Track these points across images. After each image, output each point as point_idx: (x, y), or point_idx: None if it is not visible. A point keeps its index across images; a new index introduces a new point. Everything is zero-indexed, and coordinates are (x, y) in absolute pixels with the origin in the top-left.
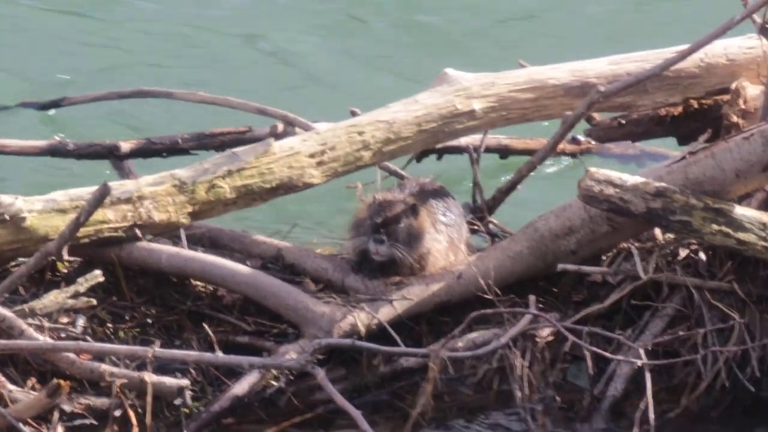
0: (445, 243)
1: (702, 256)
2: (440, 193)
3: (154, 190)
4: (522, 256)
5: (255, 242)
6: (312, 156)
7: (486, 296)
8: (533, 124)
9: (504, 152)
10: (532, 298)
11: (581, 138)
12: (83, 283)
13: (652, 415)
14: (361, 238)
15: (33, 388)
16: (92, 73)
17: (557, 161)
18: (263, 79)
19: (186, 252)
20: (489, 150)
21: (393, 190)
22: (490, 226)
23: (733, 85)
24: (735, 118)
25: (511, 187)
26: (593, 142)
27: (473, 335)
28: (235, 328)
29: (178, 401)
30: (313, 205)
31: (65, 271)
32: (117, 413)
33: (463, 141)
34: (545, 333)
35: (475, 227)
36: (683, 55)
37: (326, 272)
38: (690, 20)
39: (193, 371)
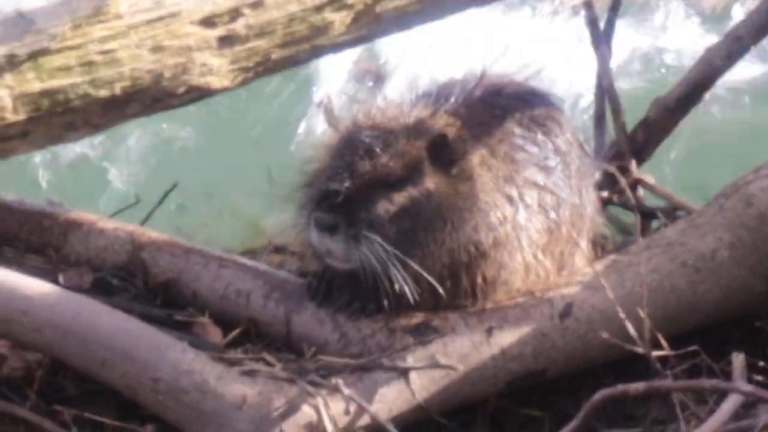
0: (535, 233)
1: None
2: (527, 106)
3: None
4: (716, 264)
5: (77, 228)
6: (208, 22)
7: (633, 351)
8: None
9: None
10: (738, 360)
11: None
12: None
13: None
14: (301, 214)
15: None
16: None
17: None
18: None
19: None
20: None
21: (410, 99)
22: (639, 189)
23: None
24: None
25: (693, 90)
26: None
27: None
28: (30, 430)
29: None
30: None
31: None
32: None
33: None
34: None
35: (604, 193)
36: None
37: (246, 301)
38: None
39: None
